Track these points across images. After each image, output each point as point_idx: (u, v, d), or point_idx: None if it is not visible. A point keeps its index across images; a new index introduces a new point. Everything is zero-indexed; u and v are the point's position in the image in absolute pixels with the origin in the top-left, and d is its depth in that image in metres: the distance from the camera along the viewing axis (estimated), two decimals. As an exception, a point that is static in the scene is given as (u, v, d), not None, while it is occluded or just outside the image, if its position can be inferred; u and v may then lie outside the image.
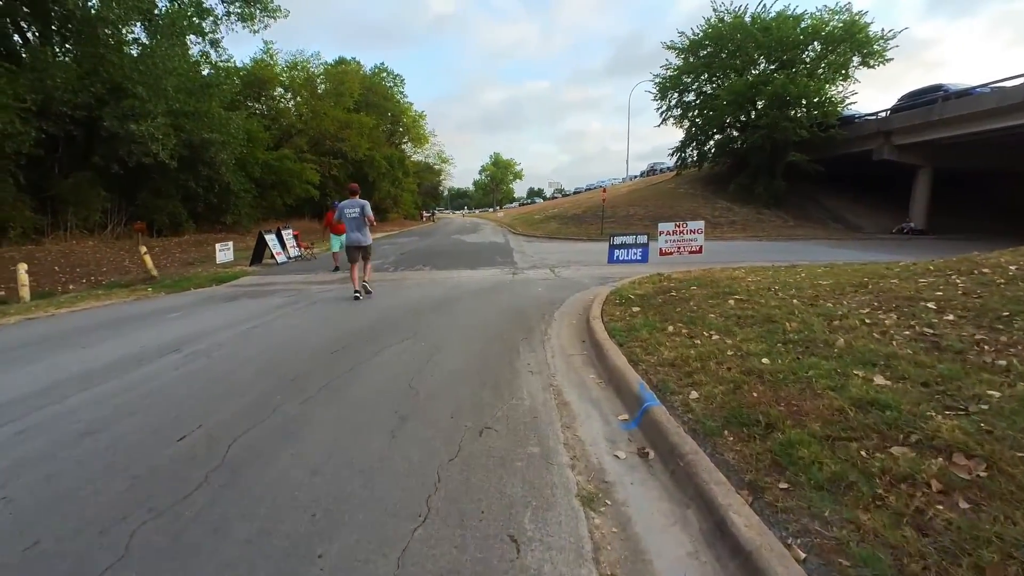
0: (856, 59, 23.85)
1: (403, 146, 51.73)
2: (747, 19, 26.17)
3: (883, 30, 23.26)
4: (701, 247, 10.82)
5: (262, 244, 14.23)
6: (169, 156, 16.13)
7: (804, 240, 20.63)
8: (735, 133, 28.81)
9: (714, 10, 27.29)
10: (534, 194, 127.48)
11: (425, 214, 64.07)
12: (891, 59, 23.86)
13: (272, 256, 14.32)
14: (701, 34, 27.91)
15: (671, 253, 10.82)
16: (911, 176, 23.54)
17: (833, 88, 23.90)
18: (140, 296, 9.48)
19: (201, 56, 18.95)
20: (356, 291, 7.93)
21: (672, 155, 31.50)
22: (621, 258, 10.67)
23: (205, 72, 23.24)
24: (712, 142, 30.08)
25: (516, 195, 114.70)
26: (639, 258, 10.57)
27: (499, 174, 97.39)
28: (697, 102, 29.88)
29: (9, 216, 15.66)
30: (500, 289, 8.33)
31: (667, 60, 30.00)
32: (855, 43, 23.33)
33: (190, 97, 17.44)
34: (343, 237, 12.39)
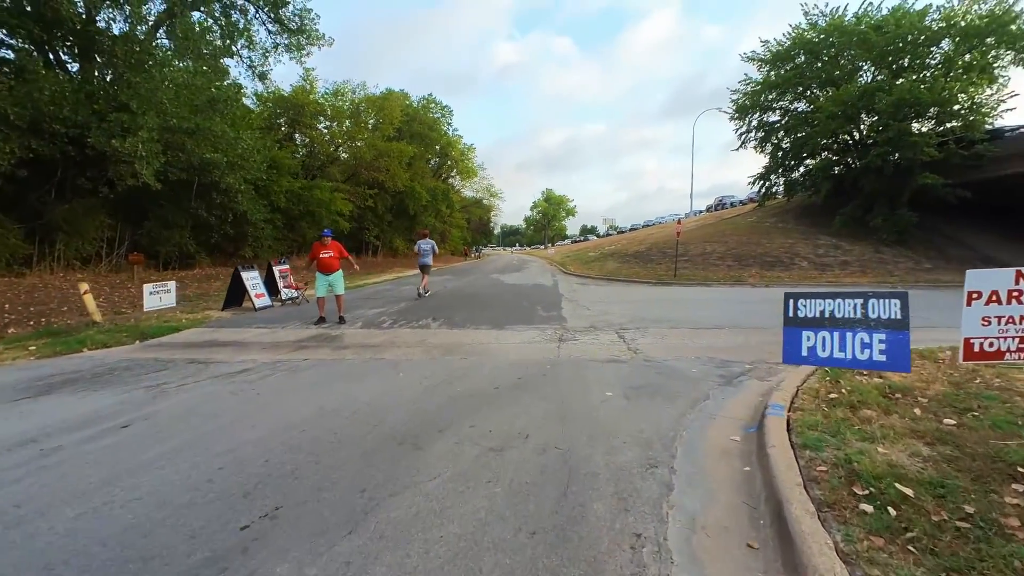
0: (1007, 56, 18.62)
1: (451, 179, 49.85)
2: (848, 19, 21.70)
3: (1048, 17, 17.99)
4: None
5: (239, 284, 11.08)
6: (154, 177, 13.68)
7: (954, 287, 15.29)
8: (833, 156, 23.88)
9: (804, 14, 23.02)
10: (587, 231, 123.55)
11: (473, 252, 61.46)
12: (1057, 55, 18.47)
13: (252, 299, 11.12)
14: (788, 43, 23.64)
15: (1000, 355, 3.24)
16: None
17: (981, 91, 18.68)
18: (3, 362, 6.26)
19: (208, 70, 16.85)
20: (421, 292, 12.03)
21: (753, 183, 26.76)
22: (828, 356, 3.54)
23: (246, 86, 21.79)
24: (803, 167, 25.23)
25: (569, 232, 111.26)
26: (884, 358, 3.35)
27: (551, 210, 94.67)
28: (783, 122, 25.32)
29: (-16, 245, 13.59)
30: (529, 389, 4.33)
31: (746, 75, 25.82)
32: (1004, 36, 18.20)
33: (194, 113, 15.20)
34: (331, 277, 9.03)
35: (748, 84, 25.28)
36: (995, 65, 18.63)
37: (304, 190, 23.68)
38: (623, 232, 62.17)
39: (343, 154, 31.12)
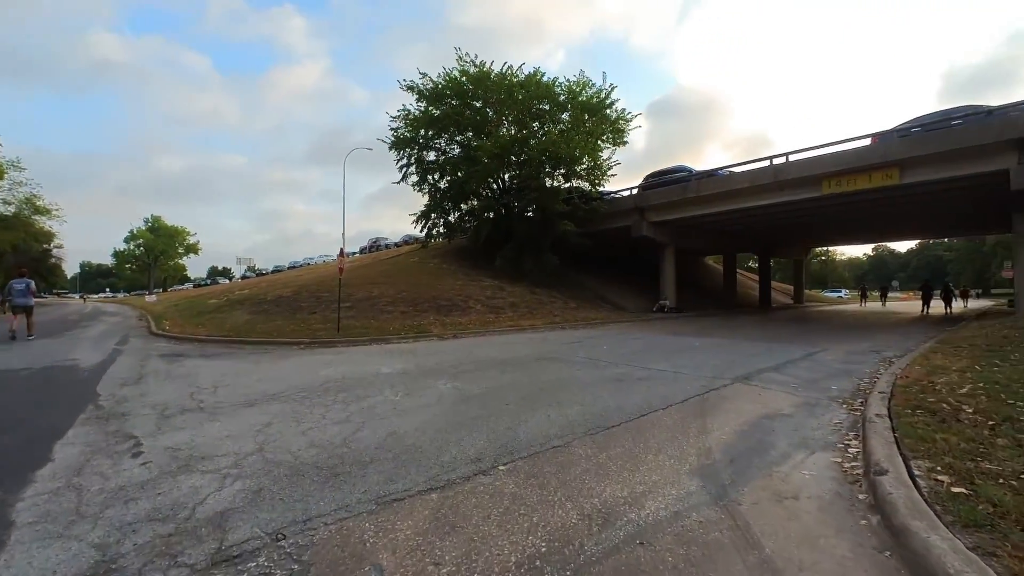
0: (608, 135, 22.73)
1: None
2: (494, 75, 22.59)
3: (623, 111, 22.94)
4: None
5: None
6: None
7: (606, 325, 16.13)
8: (484, 203, 24.35)
9: (458, 59, 22.83)
10: (218, 273, 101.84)
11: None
12: (626, 142, 23.80)
13: None
14: (443, 83, 22.95)
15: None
16: (656, 254, 23.21)
17: (597, 157, 21.98)
18: None
19: None
20: (12, 331, 10.89)
21: (416, 222, 24.69)
22: None
23: None
24: (459, 211, 24.89)
25: (193, 275, 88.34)
26: None
27: (160, 244, 72.53)
28: (439, 162, 24.44)
29: None
30: None
31: (404, 105, 23.88)
32: (602, 118, 22.19)
33: None
34: None
35: (407, 115, 23.30)
36: (602, 138, 22.39)
37: None
38: (264, 275, 52.11)
39: None
